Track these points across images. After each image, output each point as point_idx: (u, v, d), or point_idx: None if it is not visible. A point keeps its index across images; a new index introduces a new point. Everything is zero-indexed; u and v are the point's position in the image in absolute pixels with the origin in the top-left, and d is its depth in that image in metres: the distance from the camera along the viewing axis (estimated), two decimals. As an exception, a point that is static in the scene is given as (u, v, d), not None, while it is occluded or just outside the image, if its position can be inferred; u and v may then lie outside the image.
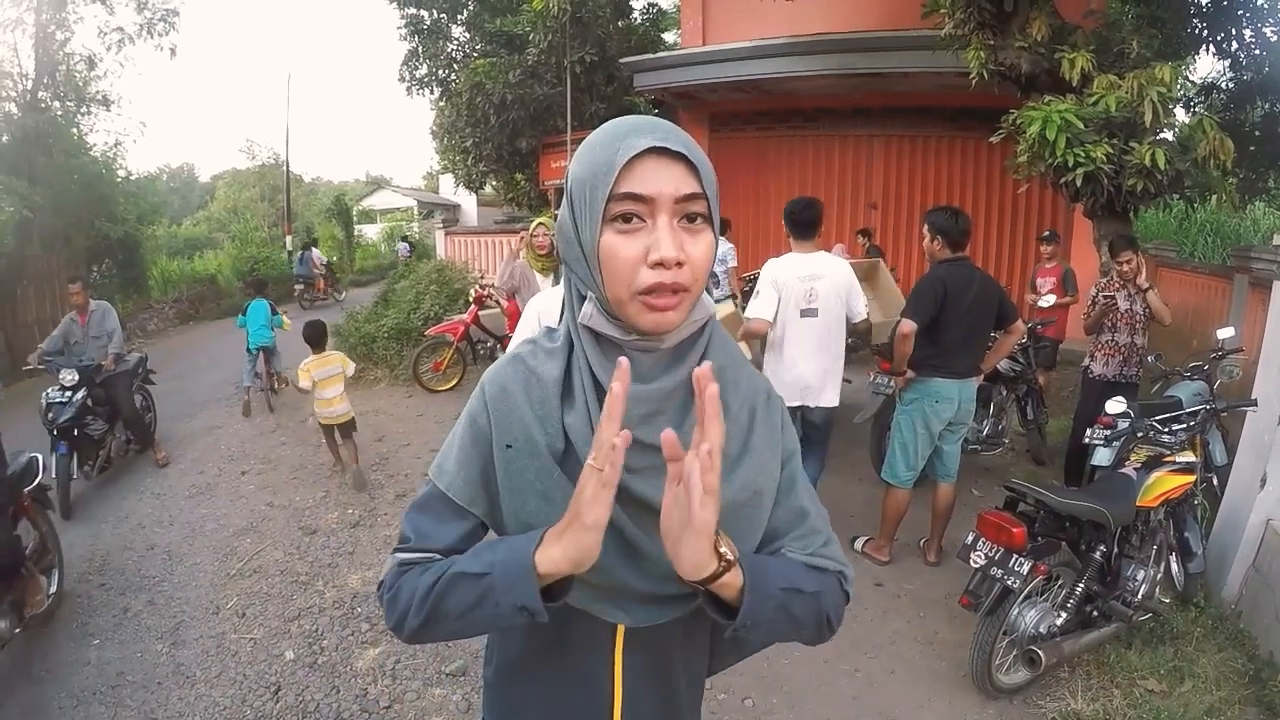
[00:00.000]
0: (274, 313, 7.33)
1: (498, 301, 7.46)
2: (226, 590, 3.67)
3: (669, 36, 14.59)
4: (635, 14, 13.66)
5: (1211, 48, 7.41)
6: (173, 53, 11.65)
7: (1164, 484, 2.87)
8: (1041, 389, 5.19)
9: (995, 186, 9.08)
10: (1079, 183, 4.51)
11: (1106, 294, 4.18)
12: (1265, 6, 7.10)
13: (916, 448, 3.51)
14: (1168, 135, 4.90)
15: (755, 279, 3.85)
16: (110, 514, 4.69)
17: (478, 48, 13.64)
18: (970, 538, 2.69)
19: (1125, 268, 4.16)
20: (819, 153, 10.19)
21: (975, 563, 2.62)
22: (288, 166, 21.83)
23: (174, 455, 5.79)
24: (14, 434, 4.43)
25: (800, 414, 3.57)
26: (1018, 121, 4.71)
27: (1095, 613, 2.79)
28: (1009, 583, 2.52)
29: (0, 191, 9.31)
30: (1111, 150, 4.42)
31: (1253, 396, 3.24)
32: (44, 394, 4.82)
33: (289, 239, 19.36)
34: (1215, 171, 4.77)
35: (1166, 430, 3.13)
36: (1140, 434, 3.13)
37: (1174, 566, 3.18)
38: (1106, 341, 4.27)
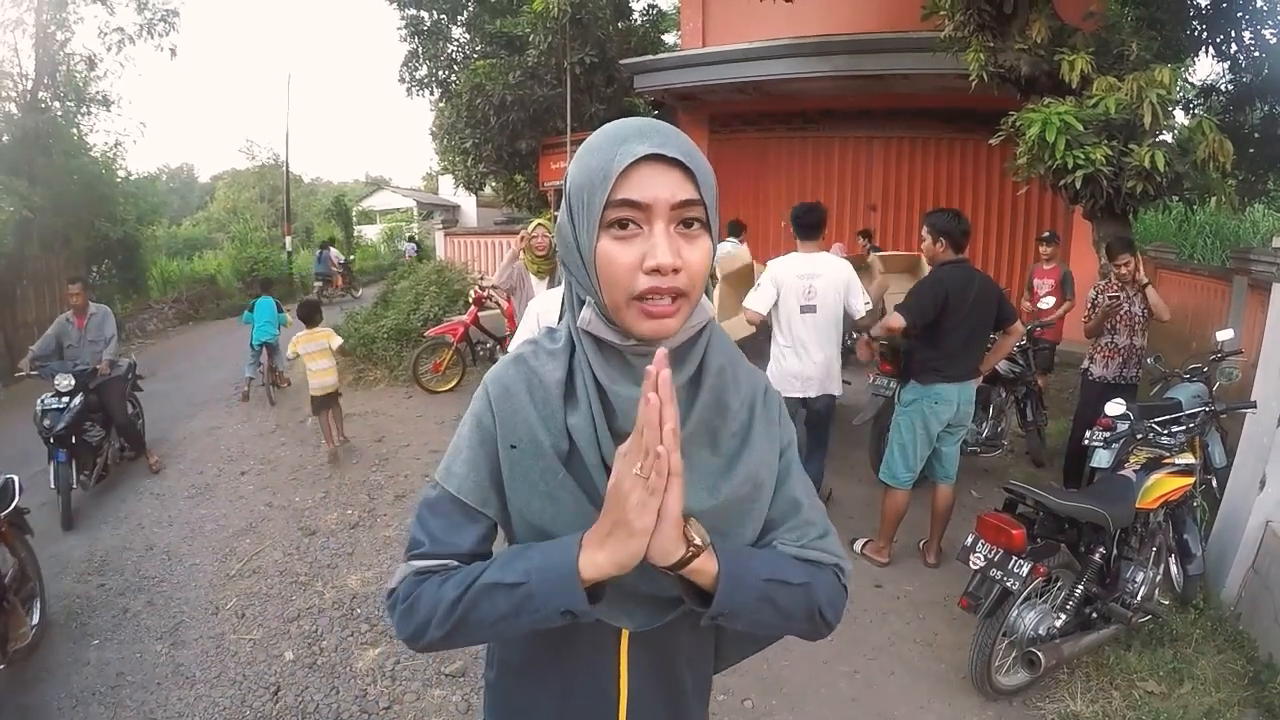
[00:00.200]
0: (279, 310, 7.50)
1: (497, 303, 7.48)
2: (226, 591, 3.67)
3: (669, 38, 14.61)
4: (635, 15, 13.66)
5: (1211, 50, 7.42)
6: (173, 53, 11.67)
7: (1163, 486, 2.87)
8: (1041, 391, 5.20)
9: (995, 188, 9.10)
10: (1078, 184, 4.51)
11: (1112, 294, 4.18)
12: (1265, 8, 7.11)
13: (915, 449, 3.51)
14: (1167, 137, 4.89)
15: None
16: (109, 515, 4.69)
17: (478, 49, 13.64)
18: (970, 539, 2.70)
19: (1123, 270, 4.17)
20: (819, 154, 10.20)
21: (975, 564, 2.62)
22: (287, 167, 21.81)
23: (173, 455, 5.79)
24: (14, 435, 4.45)
25: (804, 404, 3.80)
26: (1017, 123, 4.72)
27: (1094, 614, 2.79)
28: (1008, 584, 2.52)
29: (0, 191, 9.31)
30: (1111, 152, 4.42)
31: (1252, 398, 3.25)
32: (39, 400, 4.66)
33: (288, 239, 19.40)
34: (1214, 173, 4.76)
35: (1166, 432, 3.14)
36: (1139, 436, 3.14)
37: (1173, 568, 3.19)
38: (1106, 344, 4.27)
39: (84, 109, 11.26)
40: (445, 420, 6.20)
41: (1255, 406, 3.20)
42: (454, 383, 7.17)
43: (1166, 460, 3.01)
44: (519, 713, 0.98)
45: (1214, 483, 3.71)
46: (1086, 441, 3.50)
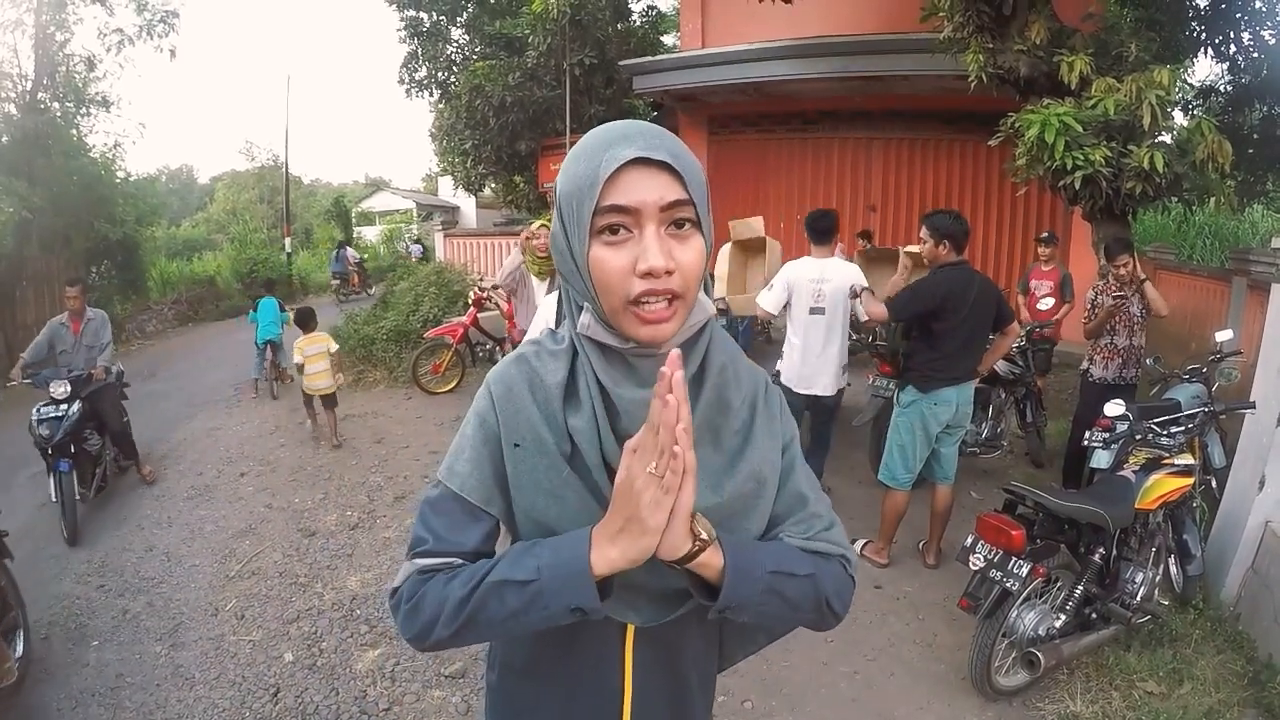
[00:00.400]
0: (281, 310, 7.60)
1: (496, 304, 7.49)
2: (225, 592, 3.67)
3: (668, 39, 14.62)
4: (635, 16, 13.68)
5: (1210, 51, 7.45)
6: (172, 54, 11.64)
7: (1163, 486, 2.87)
8: (1040, 392, 5.20)
9: (994, 189, 9.10)
10: (1078, 185, 4.51)
11: (1118, 294, 4.18)
12: (1263, 9, 7.13)
13: (914, 449, 3.52)
14: (1166, 138, 4.89)
15: None
16: (108, 516, 4.68)
17: (477, 50, 13.65)
18: (969, 540, 2.70)
19: (1122, 270, 4.18)
20: (818, 155, 10.21)
21: (974, 565, 2.62)
22: (287, 168, 21.83)
23: (173, 457, 5.78)
24: (14, 437, 4.43)
25: (811, 399, 4.05)
26: (1016, 124, 4.72)
27: (1094, 615, 2.79)
28: (1008, 585, 2.52)
29: (0, 192, 9.31)
30: (1110, 153, 4.42)
31: (1251, 399, 3.25)
32: (34, 409, 4.39)
33: (288, 241, 19.42)
34: (1214, 174, 4.76)
35: (1165, 433, 3.14)
36: (1139, 436, 3.14)
37: (1173, 569, 3.19)
38: (1105, 345, 4.27)
39: (83, 110, 11.24)
40: (445, 421, 6.20)
41: (1254, 407, 3.21)
42: (453, 384, 7.17)
43: (1166, 461, 3.01)
44: (523, 714, 0.98)
45: (1213, 483, 3.72)
46: (1086, 442, 3.50)
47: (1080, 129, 4.43)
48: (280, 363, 7.51)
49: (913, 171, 9.68)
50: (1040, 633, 2.63)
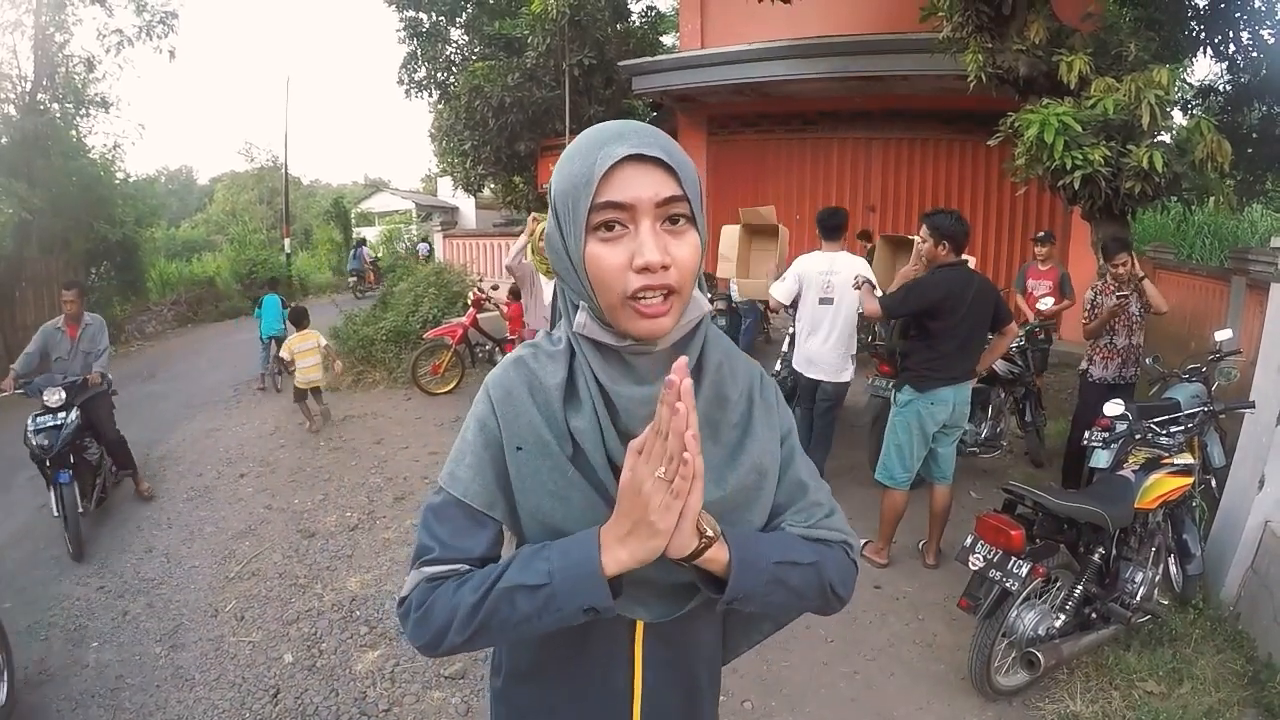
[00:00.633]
0: (284, 307, 7.75)
1: (495, 304, 7.50)
2: (225, 593, 3.67)
3: (667, 39, 14.62)
4: (634, 17, 13.67)
5: (1209, 50, 7.45)
6: (172, 55, 11.67)
7: (1162, 486, 2.87)
8: (1039, 392, 5.20)
9: (993, 189, 9.09)
10: (1077, 185, 4.51)
11: (1121, 294, 4.18)
12: (1263, 9, 7.13)
13: (911, 449, 3.52)
14: (1165, 138, 4.89)
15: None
16: (108, 516, 4.68)
17: (476, 50, 13.63)
18: (969, 540, 2.70)
19: (1120, 269, 4.18)
20: (817, 155, 10.20)
21: (974, 565, 2.62)
22: (286, 169, 21.84)
23: (172, 458, 5.78)
24: (13, 437, 4.42)
25: (817, 386, 4.35)
26: (1016, 124, 4.71)
27: (1094, 615, 2.79)
28: (1007, 585, 2.52)
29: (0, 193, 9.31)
30: (1109, 153, 4.42)
31: (1250, 398, 3.25)
32: (29, 419, 4.17)
33: (287, 241, 19.42)
34: (1213, 174, 4.75)
35: (1165, 432, 3.14)
36: (1138, 436, 3.14)
37: (1172, 568, 3.19)
38: (1105, 344, 4.27)
39: (83, 111, 11.23)
40: (444, 422, 6.20)
41: (1254, 406, 3.21)
42: (453, 385, 7.17)
43: (1165, 460, 3.01)
44: (525, 715, 0.98)
45: (1213, 483, 3.71)
46: (1085, 442, 3.50)
47: (1079, 129, 4.43)
48: (284, 356, 7.59)
49: (912, 171, 9.67)
50: (1040, 632, 2.63)
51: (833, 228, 4.30)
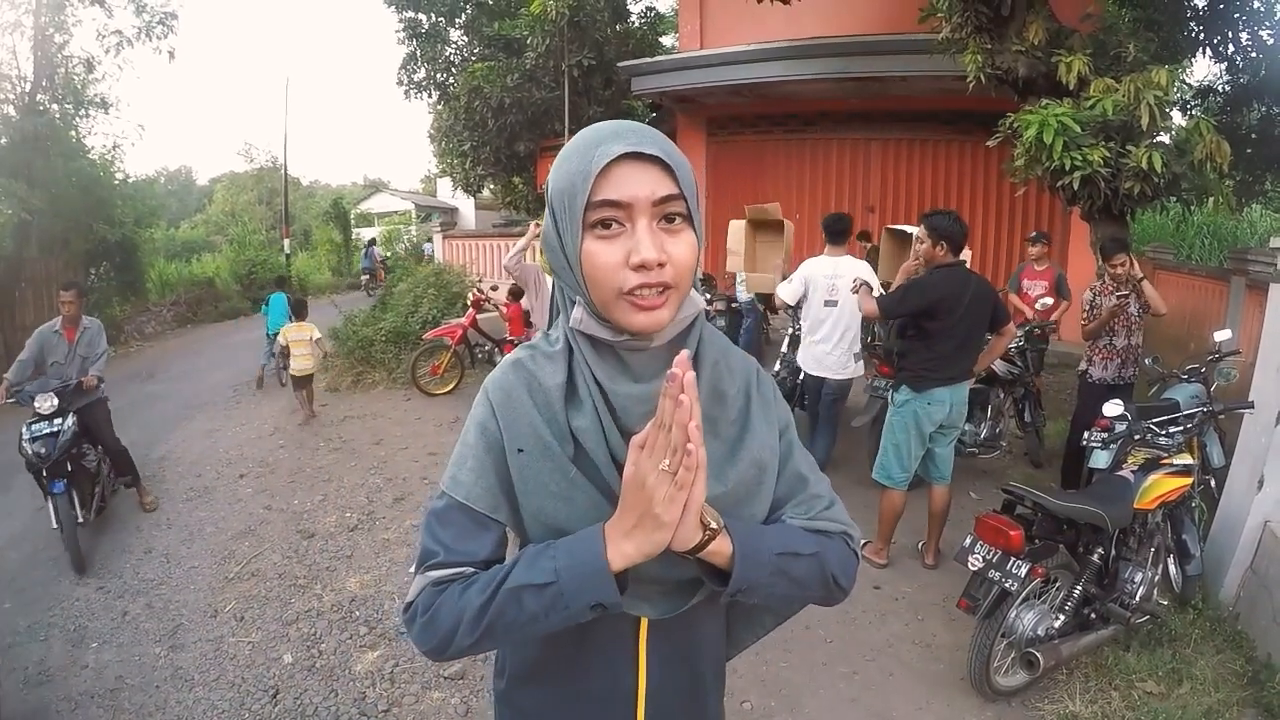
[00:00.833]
0: (289, 304, 7.78)
1: (495, 305, 7.50)
2: (225, 593, 3.67)
3: (667, 40, 14.62)
4: (633, 18, 13.68)
5: (1208, 51, 7.45)
6: (171, 56, 11.64)
7: (1161, 486, 2.88)
8: (1039, 392, 5.20)
9: (993, 190, 9.10)
10: (1076, 186, 4.51)
11: (1121, 294, 4.19)
12: (1261, 9, 7.14)
13: (908, 449, 3.52)
14: (1164, 138, 4.89)
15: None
16: (108, 517, 4.67)
17: (476, 51, 13.63)
18: (968, 541, 2.69)
19: (1119, 270, 4.18)
20: (816, 156, 10.20)
21: (973, 565, 2.62)
22: (285, 169, 21.82)
23: (171, 458, 5.78)
24: (12, 437, 4.41)
25: (822, 383, 4.54)
26: (1015, 125, 4.72)
27: (1093, 615, 2.79)
28: (1007, 585, 2.53)
29: (-1, 194, 9.32)
30: (1108, 153, 4.42)
31: (1250, 399, 3.25)
32: (23, 428, 4.03)
33: (286, 242, 19.42)
34: (1212, 174, 4.76)
35: (1164, 433, 3.14)
36: (1137, 436, 3.14)
37: (1172, 569, 3.19)
38: (1104, 345, 4.28)
39: (82, 111, 11.22)
40: (444, 423, 6.20)
41: (1253, 407, 3.21)
42: (452, 385, 7.16)
43: (1165, 461, 3.01)
44: (528, 715, 0.98)
45: (1212, 483, 3.71)
46: (1084, 442, 3.50)
47: (1078, 129, 4.43)
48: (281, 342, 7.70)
49: (911, 172, 9.68)
50: (1039, 633, 2.63)
51: (837, 232, 4.46)
